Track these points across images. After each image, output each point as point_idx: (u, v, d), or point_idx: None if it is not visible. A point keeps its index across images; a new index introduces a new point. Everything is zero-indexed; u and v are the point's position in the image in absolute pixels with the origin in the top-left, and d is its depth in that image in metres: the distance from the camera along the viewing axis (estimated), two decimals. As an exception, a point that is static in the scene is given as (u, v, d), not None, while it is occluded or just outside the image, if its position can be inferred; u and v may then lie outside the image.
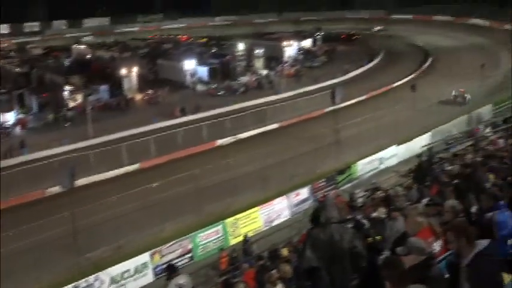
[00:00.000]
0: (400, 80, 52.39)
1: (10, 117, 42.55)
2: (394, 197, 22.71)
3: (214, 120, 39.53)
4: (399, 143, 31.84)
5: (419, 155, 23.34)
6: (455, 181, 16.04)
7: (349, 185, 27.47)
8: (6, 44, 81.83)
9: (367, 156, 30.27)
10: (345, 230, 6.55)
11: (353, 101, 44.61)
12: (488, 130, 29.62)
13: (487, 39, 70.62)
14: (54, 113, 43.98)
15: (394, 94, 46.59)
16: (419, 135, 32.97)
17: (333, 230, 6.20)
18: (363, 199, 24.18)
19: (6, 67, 60.00)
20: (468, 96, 41.85)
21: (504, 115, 32.66)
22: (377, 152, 30.85)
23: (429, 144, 31.33)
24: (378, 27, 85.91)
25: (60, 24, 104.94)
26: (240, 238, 23.07)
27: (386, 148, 31.30)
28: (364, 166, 29.52)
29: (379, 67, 62.56)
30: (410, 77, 53.74)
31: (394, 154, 31.16)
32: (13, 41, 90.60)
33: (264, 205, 25.03)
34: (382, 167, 30.25)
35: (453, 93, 42.62)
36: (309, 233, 6.85)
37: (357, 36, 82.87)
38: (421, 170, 21.78)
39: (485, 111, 36.22)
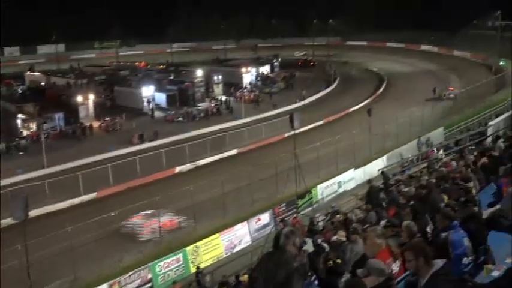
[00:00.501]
0: (356, 105, 53.71)
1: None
2: (353, 220, 23.13)
3: (173, 147, 39.26)
4: (357, 167, 32.43)
5: (369, 181, 23.99)
6: (412, 202, 16.44)
7: (309, 209, 27.67)
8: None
9: (326, 180, 30.65)
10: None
11: (311, 126, 45.39)
12: (441, 152, 30.58)
13: (437, 64, 73.72)
14: (7, 142, 42.52)
15: (351, 118, 47.65)
16: (376, 158, 33.73)
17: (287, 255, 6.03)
18: (323, 223, 24.34)
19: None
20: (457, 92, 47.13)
21: (455, 138, 34.03)
22: (335, 175, 31.30)
23: (385, 167, 32.07)
24: (333, 53, 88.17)
25: (12, 50, 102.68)
26: (202, 265, 22.73)
27: (344, 172, 31.82)
28: (324, 190, 29.86)
29: (335, 92, 64.01)
30: (366, 101, 55.21)
31: (352, 177, 31.70)
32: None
33: (224, 231, 24.83)
34: (341, 190, 30.70)
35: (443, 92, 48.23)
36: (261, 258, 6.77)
37: (314, 62, 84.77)
38: (372, 194, 22.23)
39: (437, 134, 37.46)
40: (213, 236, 24.29)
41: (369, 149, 36.21)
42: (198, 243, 23.58)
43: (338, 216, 24.25)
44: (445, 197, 13.50)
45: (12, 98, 55.89)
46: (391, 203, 21.27)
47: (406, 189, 22.17)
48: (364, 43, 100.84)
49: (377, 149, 36.40)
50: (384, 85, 63.63)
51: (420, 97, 52.10)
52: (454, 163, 22.91)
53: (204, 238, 23.99)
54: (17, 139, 43.54)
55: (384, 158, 33.55)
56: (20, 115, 46.84)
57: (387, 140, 37.71)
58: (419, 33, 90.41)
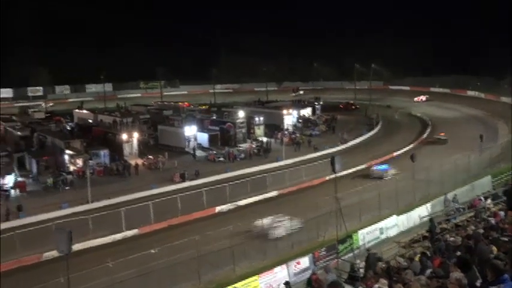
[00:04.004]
0: (399, 150, 52.97)
1: (9, 180, 42.44)
2: (395, 268, 22.45)
3: (214, 187, 39.55)
4: (400, 213, 31.69)
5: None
6: (458, 253, 15.86)
7: (350, 254, 27.01)
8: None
9: (368, 225, 30.02)
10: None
11: (353, 170, 44.98)
12: (489, 201, 29.53)
13: (483, 110, 72.22)
14: (54, 177, 43.94)
15: (394, 163, 46.95)
16: (420, 205, 32.91)
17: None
18: (364, 270, 23.70)
19: (8, 130, 60.68)
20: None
21: (503, 186, 32.83)
22: (378, 221, 30.62)
23: (429, 214, 31.18)
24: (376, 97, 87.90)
25: (63, 88, 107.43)
26: (240, 307, 22.40)
27: (387, 218, 31.10)
28: (365, 236, 29.18)
29: (378, 136, 63.45)
30: (409, 146, 54.39)
31: (394, 224, 30.92)
32: (16, 105, 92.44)
33: (263, 273, 24.47)
34: (383, 237, 29.93)
35: None
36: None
37: (356, 105, 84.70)
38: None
39: (485, 182, 36.31)
40: (252, 278, 23.92)
41: (412, 195, 35.38)
42: (236, 285, 23.26)
43: (380, 263, 23.62)
44: (494, 249, 13.01)
45: (61, 134, 57.87)
46: (437, 252, 20.60)
47: (452, 239, 21.47)
48: (407, 88, 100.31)
49: (421, 195, 35.55)
50: (428, 130, 62.61)
51: (465, 143, 50.94)
52: (502, 213, 22.11)
53: (242, 279, 23.70)
54: (64, 174, 44.90)
55: (428, 205, 32.67)
56: (67, 151, 48.38)
57: (431, 186, 36.79)
58: (465, 78, 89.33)
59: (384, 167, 45.20)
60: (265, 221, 31.26)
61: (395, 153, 52.12)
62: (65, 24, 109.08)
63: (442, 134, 58.79)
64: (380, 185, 34.61)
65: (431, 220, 26.42)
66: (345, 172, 39.23)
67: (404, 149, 53.35)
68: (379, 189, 34.08)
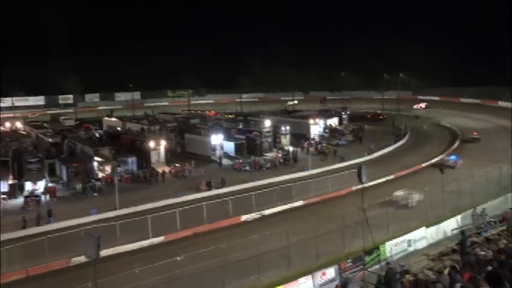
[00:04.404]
0: (428, 161, 52.13)
1: (40, 186, 43.37)
2: (424, 282, 22.01)
3: (240, 195, 39.56)
4: (429, 225, 31.08)
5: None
6: (489, 267, 15.47)
7: (377, 266, 26.59)
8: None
9: (395, 237, 29.52)
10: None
11: (380, 180, 44.46)
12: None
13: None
14: (83, 183, 44.70)
15: (422, 175, 46.19)
16: (450, 217, 32.24)
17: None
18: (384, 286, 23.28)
19: (40, 137, 62.07)
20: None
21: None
22: (406, 233, 30.10)
23: (460, 227, 30.52)
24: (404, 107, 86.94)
25: (93, 96, 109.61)
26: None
27: (415, 230, 30.54)
28: (393, 247, 28.69)
29: (406, 147, 62.62)
30: (438, 157, 53.46)
31: (423, 236, 30.33)
32: (47, 112, 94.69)
33: (289, 283, 24.27)
34: (411, 249, 29.38)
35: None
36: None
37: (384, 116, 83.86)
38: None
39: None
40: (277, 288, 23.82)
41: (441, 207, 34.69)
42: (261, 294, 23.24)
43: (407, 276, 23.17)
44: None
45: (91, 142, 58.84)
46: (466, 266, 20.13)
47: (482, 253, 20.97)
48: (437, 98, 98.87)
49: (451, 207, 34.82)
50: (457, 141, 61.45)
51: (497, 155, 49.80)
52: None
53: (267, 289, 23.62)
54: (92, 180, 45.61)
55: (459, 217, 31.97)
56: (96, 158, 49.16)
57: (462, 198, 36.01)
58: (495, 89, 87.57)
59: (453, 157, 51.00)
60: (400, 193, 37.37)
61: (423, 164, 51.28)
62: (95, 34, 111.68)
63: (475, 133, 61.09)
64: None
65: (463, 233, 25.81)
66: (372, 183, 38.78)
67: (433, 160, 52.43)
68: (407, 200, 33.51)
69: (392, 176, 46.92)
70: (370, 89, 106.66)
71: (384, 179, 45.45)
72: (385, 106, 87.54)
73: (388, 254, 28.29)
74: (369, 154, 56.73)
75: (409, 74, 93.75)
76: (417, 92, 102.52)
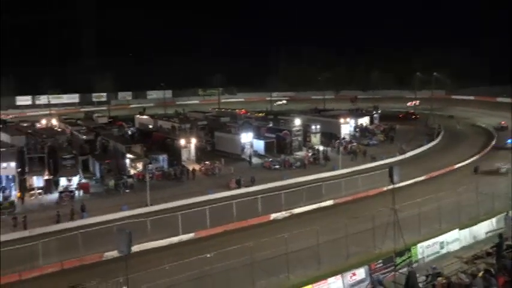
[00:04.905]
0: (462, 162, 51.02)
1: (74, 181, 44.37)
2: (457, 285, 21.55)
3: (269, 194, 39.54)
4: (462, 227, 30.39)
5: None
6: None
7: (408, 268, 26.13)
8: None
9: (427, 239, 28.97)
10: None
11: (412, 181, 43.77)
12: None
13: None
14: (115, 180, 45.50)
15: (456, 176, 45.25)
16: (484, 220, 31.45)
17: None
18: (423, 284, 22.90)
19: (74, 134, 63.47)
20: None
21: None
22: (438, 235, 29.51)
23: (494, 230, 29.75)
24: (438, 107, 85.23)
25: (125, 95, 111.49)
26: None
27: (448, 232, 29.90)
28: (425, 249, 28.16)
29: (439, 147, 61.45)
30: (473, 158, 52.25)
31: (456, 238, 29.65)
32: (81, 110, 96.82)
33: (318, 283, 24.12)
34: (444, 251, 28.77)
35: None
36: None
37: (416, 115, 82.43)
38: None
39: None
40: (306, 287, 23.69)
41: (476, 209, 33.87)
42: (290, 293, 23.17)
43: (440, 279, 22.76)
44: None
45: (123, 139, 59.83)
46: (502, 270, 19.65)
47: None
48: (472, 97, 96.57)
49: (485, 209, 33.96)
50: (493, 142, 59.90)
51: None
52: None
53: (296, 288, 23.53)
54: (124, 177, 46.38)
55: (494, 220, 31.14)
56: (128, 155, 49.96)
57: (497, 200, 35.07)
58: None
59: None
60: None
61: (456, 166, 50.22)
62: (127, 34, 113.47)
63: (503, 122, 65.62)
64: (440, 197, 33.32)
65: (500, 236, 25.14)
66: (403, 183, 38.15)
67: (467, 161, 51.29)
68: (440, 201, 32.84)
69: (424, 177, 46.10)
70: (403, 88, 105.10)
71: (415, 180, 44.68)
72: (418, 106, 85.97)
73: (419, 256, 27.82)
74: (400, 154, 55.92)
75: (443, 72, 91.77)
76: (451, 91, 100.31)
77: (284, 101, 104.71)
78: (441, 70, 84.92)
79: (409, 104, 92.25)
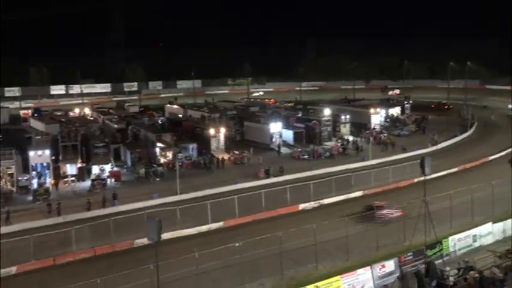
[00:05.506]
0: (497, 153, 49.78)
1: (106, 170, 45.19)
2: (490, 279, 21.12)
3: (298, 184, 39.43)
4: (496, 221, 29.70)
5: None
6: None
7: (439, 261, 25.73)
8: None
9: (459, 232, 28.45)
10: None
11: (444, 173, 42.98)
12: None
13: None
14: (146, 168, 46.13)
15: (490, 168, 44.19)
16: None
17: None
18: (454, 278, 22.55)
19: (106, 123, 64.57)
20: None
21: None
22: (471, 228, 28.94)
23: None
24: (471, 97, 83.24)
25: (156, 84, 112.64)
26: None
27: (481, 225, 29.28)
28: (456, 242, 27.67)
29: (472, 138, 60.11)
30: (508, 150, 50.84)
31: (489, 232, 29.03)
32: (113, 99, 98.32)
33: (346, 274, 24.03)
34: (477, 244, 28.22)
35: None
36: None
37: (449, 105, 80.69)
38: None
39: None
40: (334, 278, 23.56)
41: (510, 203, 32.96)
42: (318, 283, 23.04)
43: (472, 273, 22.38)
44: None
45: (153, 128, 60.51)
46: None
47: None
48: (508, 87, 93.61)
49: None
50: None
51: None
52: None
53: (324, 279, 23.44)
54: (155, 166, 46.98)
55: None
56: (159, 144, 50.56)
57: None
58: None
59: None
60: None
61: (490, 157, 49.02)
62: (158, 24, 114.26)
63: None
64: (473, 190, 32.58)
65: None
66: (434, 175, 37.51)
67: (502, 153, 49.97)
68: (473, 194, 32.12)
69: (456, 169, 45.21)
70: (435, 77, 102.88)
71: (447, 172, 43.86)
72: (450, 95, 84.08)
73: (451, 249, 27.42)
74: (432, 145, 54.91)
75: (477, 62, 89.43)
76: (486, 81, 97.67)
77: (261, 93, 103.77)
78: (475, 59, 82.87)
79: (390, 93, 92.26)
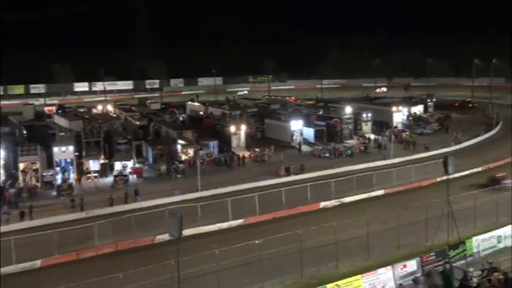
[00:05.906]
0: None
1: (129, 166, 45.66)
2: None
3: (319, 182, 39.26)
4: (521, 222, 29.14)
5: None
6: None
7: (462, 261, 25.36)
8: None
9: (483, 232, 27.97)
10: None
11: (468, 172, 42.34)
12: None
13: None
14: (167, 165, 46.48)
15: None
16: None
17: None
18: (477, 279, 22.15)
19: (128, 120, 65.20)
20: None
21: None
22: (495, 229, 28.42)
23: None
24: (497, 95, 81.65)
25: (177, 82, 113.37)
26: (340, 305, 22.02)
27: (506, 225, 28.73)
28: (480, 243, 27.22)
29: (497, 138, 59.03)
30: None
31: (514, 233, 28.49)
32: (135, 96, 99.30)
33: (367, 273, 23.85)
34: (501, 246, 27.70)
35: None
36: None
37: (474, 104, 79.31)
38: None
39: None
40: (355, 277, 23.41)
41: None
42: (338, 282, 22.92)
43: (496, 274, 21.95)
44: None
45: (175, 125, 60.85)
46: None
47: None
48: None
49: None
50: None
51: None
52: None
53: (345, 277, 23.31)
54: (176, 162, 47.31)
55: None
56: (180, 141, 50.86)
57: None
58: None
59: None
60: None
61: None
62: (180, 22, 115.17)
63: None
64: (498, 190, 32.03)
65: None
66: (457, 174, 36.94)
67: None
68: (497, 194, 31.56)
69: (480, 168, 44.47)
70: (459, 75, 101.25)
71: (471, 171, 43.20)
72: (475, 94, 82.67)
73: (474, 250, 26.97)
74: (455, 144, 54.10)
75: (503, 60, 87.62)
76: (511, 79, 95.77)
77: (245, 92, 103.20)
78: (502, 56, 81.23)
79: (377, 90, 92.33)
